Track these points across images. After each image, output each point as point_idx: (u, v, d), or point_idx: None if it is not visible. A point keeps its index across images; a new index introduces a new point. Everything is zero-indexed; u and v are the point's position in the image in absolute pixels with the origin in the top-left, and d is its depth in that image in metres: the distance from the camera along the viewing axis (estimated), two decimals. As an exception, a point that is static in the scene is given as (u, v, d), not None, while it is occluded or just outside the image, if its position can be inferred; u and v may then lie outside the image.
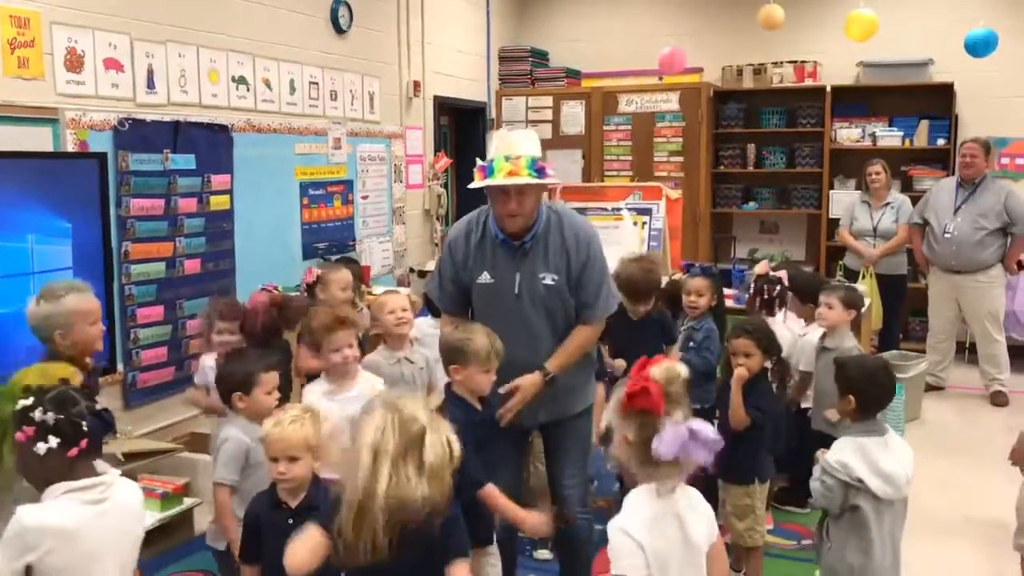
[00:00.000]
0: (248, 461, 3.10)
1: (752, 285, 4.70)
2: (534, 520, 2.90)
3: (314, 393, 3.49)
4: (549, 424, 3.35)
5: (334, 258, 6.04)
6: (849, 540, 2.92)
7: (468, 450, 2.83)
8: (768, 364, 3.74)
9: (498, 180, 3.04)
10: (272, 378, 3.19)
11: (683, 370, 2.25)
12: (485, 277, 3.22)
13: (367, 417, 2.12)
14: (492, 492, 2.90)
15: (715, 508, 4.37)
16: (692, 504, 2.24)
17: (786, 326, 4.50)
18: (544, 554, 4.10)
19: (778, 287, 4.57)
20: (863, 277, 6.69)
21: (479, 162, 3.14)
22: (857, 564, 2.92)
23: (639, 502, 2.18)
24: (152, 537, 4.05)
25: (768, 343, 3.68)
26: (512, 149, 3.06)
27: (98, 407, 2.26)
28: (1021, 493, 3.21)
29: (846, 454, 2.89)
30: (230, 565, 3.14)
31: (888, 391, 3.04)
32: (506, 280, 3.20)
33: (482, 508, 2.91)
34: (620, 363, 4.03)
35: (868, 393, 2.97)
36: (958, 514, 4.54)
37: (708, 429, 2.11)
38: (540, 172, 3.06)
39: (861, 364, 3.13)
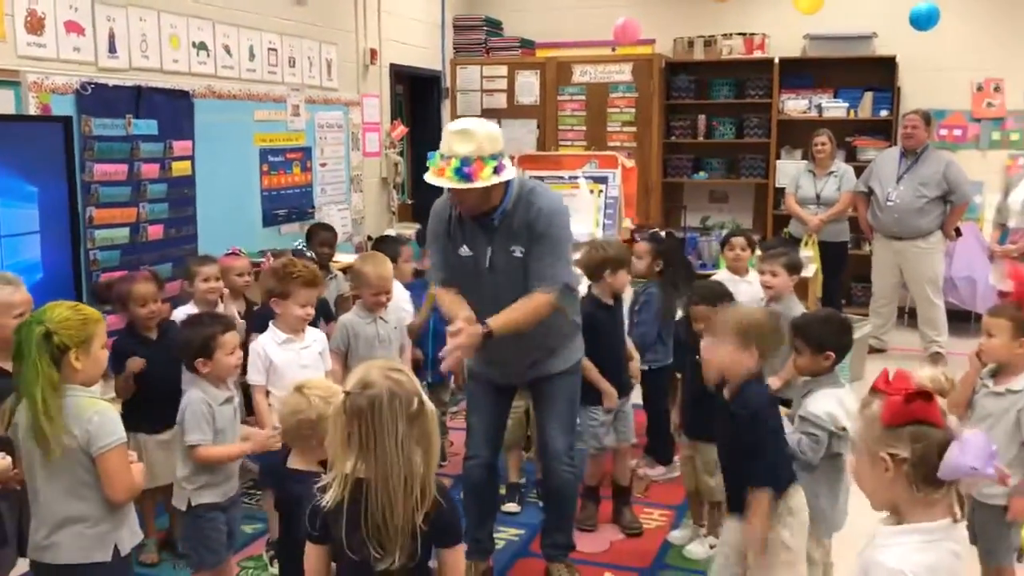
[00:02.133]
0: (214, 424, 3.13)
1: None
2: None
3: (268, 344, 3.60)
4: (537, 381, 3.51)
5: (295, 224, 6.10)
6: (821, 487, 3.06)
7: None
8: None
9: (428, 176, 3.15)
10: (232, 338, 3.22)
11: (950, 378, 1.83)
12: (464, 250, 3.32)
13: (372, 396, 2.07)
14: None
15: (666, 459, 4.61)
16: (961, 543, 1.81)
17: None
18: (511, 507, 4.25)
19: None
20: (806, 244, 6.91)
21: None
22: (828, 508, 3.09)
23: (916, 545, 1.73)
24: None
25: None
26: (447, 148, 3.08)
27: None
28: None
29: (831, 405, 3.02)
30: (191, 525, 3.19)
31: (852, 341, 3.23)
32: (480, 253, 3.30)
33: None
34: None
35: (843, 346, 3.15)
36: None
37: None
38: (465, 177, 3.05)
39: (830, 319, 3.29)
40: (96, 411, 2.52)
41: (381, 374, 2.07)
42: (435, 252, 3.44)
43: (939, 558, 1.73)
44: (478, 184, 3.07)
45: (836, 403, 3.05)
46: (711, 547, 3.83)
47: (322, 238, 5.28)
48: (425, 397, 2.10)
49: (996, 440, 2.35)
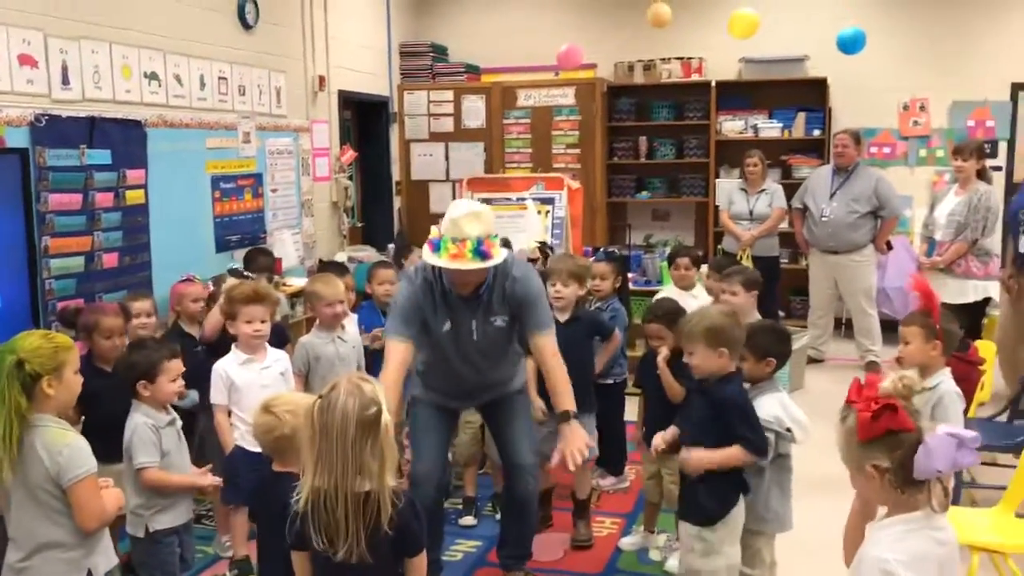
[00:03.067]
0: (161, 446, 3.19)
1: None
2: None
3: (228, 365, 3.72)
4: (492, 401, 3.70)
5: (246, 249, 6.18)
6: (772, 488, 3.25)
7: None
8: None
9: (442, 262, 3.26)
10: (176, 366, 3.28)
11: (917, 380, 1.99)
12: (447, 326, 3.46)
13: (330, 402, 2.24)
14: None
15: (618, 471, 4.77)
16: (948, 531, 1.96)
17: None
18: (468, 521, 4.38)
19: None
20: (740, 259, 7.15)
21: (433, 231, 3.33)
22: (781, 509, 3.28)
23: (897, 535, 1.91)
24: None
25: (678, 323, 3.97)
26: (459, 232, 3.23)
27: None
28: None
29: (775, 408, 3.22)
30: (148, 550, 3.25)
31: (791, 350, 3.49)
32: (464, 327, 3.46)
33: None
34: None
35: (783, 354, 3.37)
36: (838, 471, 4.97)
37: (966, 431, 1.88)
38: (483, 255, 3.24)
39: (772, 329, 3.50)
40: (66, 444, 2.60)
41: (347, 379, 2.26)
42: (404, 315, 3.44)
43: (920, 545, 1.87)
44: (494, 261, 3.28)
45: (780, 407, 3.25)
46: None
47: (260, 263, 5.42)
48: (385, 409, 2.24)
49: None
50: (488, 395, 3.68)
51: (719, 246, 7.71)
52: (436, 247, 3.27)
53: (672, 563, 3.94)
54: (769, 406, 3.23)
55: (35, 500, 2.60)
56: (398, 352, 3.39)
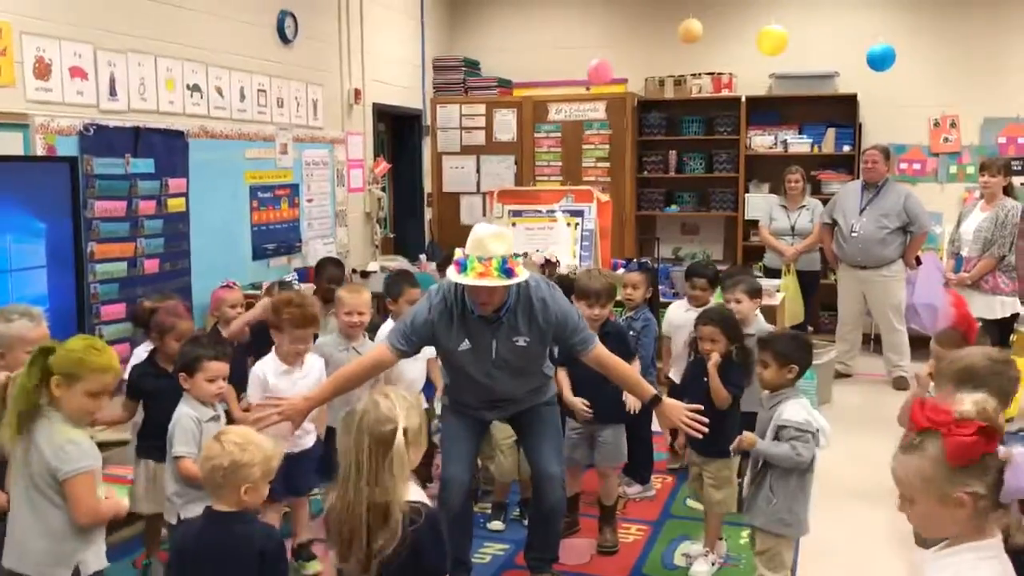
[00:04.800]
0: (200, 440, 3.26)
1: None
2: None
3: (268, 370, 3.83)
4: (520, 413, 3.79)
5: (283, 257, 6.31)
6: (798, 492, 3.31)
7: None
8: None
9: (469, 280, 3.33)
10: (217, 367, 3.37)
11: (993, 402, 1.89)
12: (465, 344, 3.55)
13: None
14: None
15: (644, 479, 4.82)
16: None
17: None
18: (497, 525, 4.46)
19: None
20: (784, 275, 7.21)
21: (457, 253, 3.41)
22: (803, 513, 3.34)
23: (971, 563, 1.80)
24: (124, 522, 4.26)
25: (732, 330, 3.97)
26: (484, 251, 3.31)
27: None
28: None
29: (802, 412, 3.28)
30: None
31: (812, 359, 3.55)
32: (483, 346, 3.54)
33: None
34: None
35: (805, 361, 3.43)
36: (865, 482, 5.01)
37: None
38: (508, 273, 3.33)
39: (795, 337, 3.57)
40: (68, 439, 2.66)
41: (371, 394, 2.36)
42: (407, 330, 3.53)
43: (993, 573, 1.78)
44: (518, 279, 3.38)
45: (806, 411, 3.32)
46: (713, 564, 4.02)
47: (330, 274, 5.43)
48: (401, 430, 2.27)
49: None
50: (515, 407, 3.77)
51: (760, 262, 7.75)
52: (463, 267, 3.34)
53: (697, 568, 4.00)
54: (795, 411, 3.31)
55: (35, 488, 2.66)
56: (378, 352, 3.61)
